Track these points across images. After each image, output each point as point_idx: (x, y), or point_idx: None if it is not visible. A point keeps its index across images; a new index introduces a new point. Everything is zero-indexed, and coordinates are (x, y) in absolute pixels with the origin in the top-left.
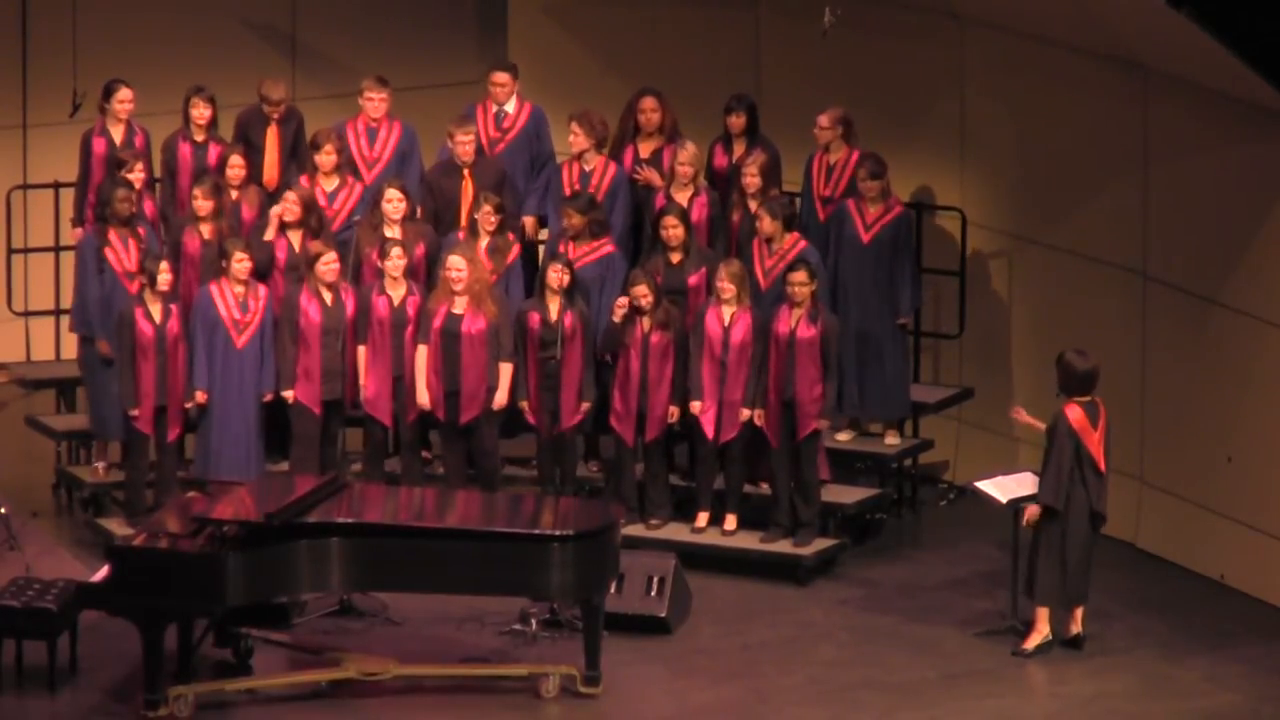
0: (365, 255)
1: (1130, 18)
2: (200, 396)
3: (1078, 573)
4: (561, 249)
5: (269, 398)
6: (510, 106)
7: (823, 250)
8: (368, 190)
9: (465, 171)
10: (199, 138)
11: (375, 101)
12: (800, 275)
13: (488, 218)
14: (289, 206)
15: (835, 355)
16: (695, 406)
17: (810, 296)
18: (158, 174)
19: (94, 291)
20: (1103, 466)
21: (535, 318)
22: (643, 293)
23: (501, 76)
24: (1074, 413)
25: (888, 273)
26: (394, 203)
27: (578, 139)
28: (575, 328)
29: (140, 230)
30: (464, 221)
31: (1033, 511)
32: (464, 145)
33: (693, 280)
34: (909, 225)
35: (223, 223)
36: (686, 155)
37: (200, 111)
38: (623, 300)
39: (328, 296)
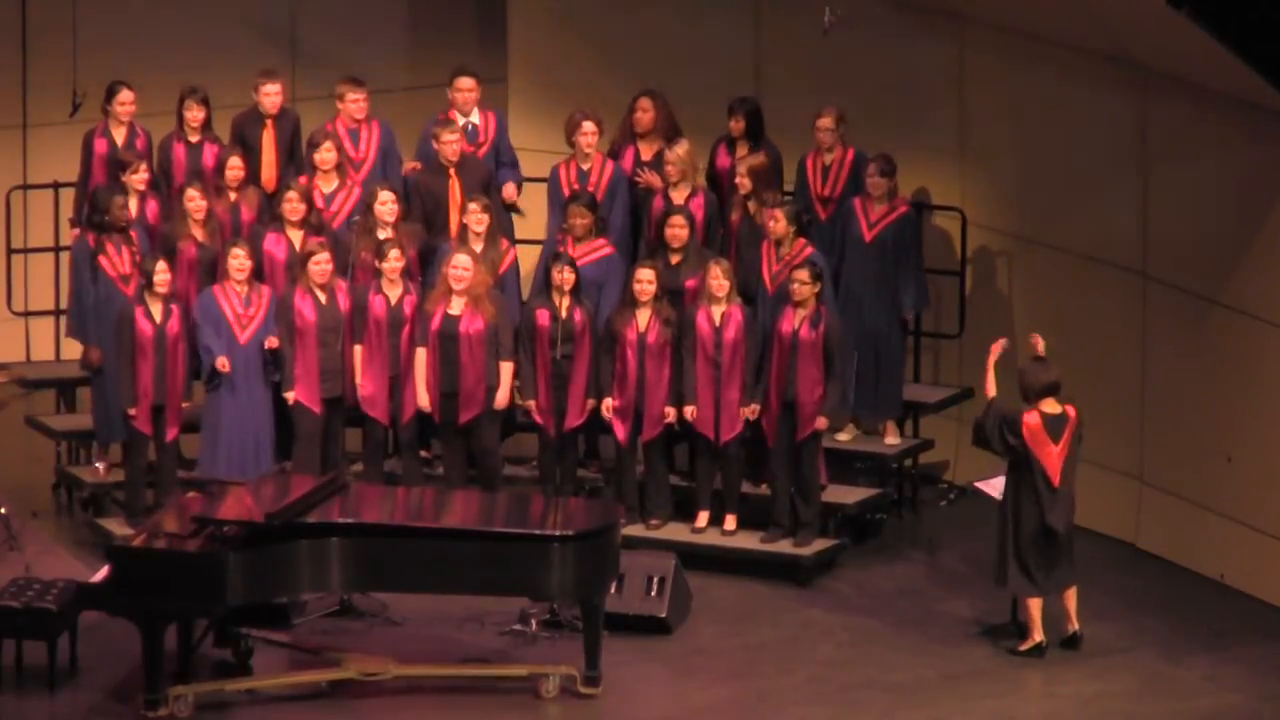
0: (360, 258)
1: (1130, 18)
2: (222, 363)
3: (1043, 567)
4: (562, 249)
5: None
6: (475, 117)
7: (826, 249)
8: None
9: (451, 172)
10: (193, 139)
11: (359, 102)
12: (803, 274)
13: (475, 217)
14: (293, 205)
15: (839, 357)
16: (689, 411)
17: (813, 298)
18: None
19: (88, 299)
20: (1056, 481)
21: (545, 315)
22: (647, 277)
23: (466, 82)
24: (1031, 419)
25: (890, 272)
26: (388, 205)
27: (594, 136)
28: (585, 326)
29: (133, 234)
30: (452, 221)
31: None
32: (449, 146)
33: (690, 283)
34: (914, 227)
35: (217, 225)
36: (674, 155)
37: (194, 113)
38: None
39: (322, 296)
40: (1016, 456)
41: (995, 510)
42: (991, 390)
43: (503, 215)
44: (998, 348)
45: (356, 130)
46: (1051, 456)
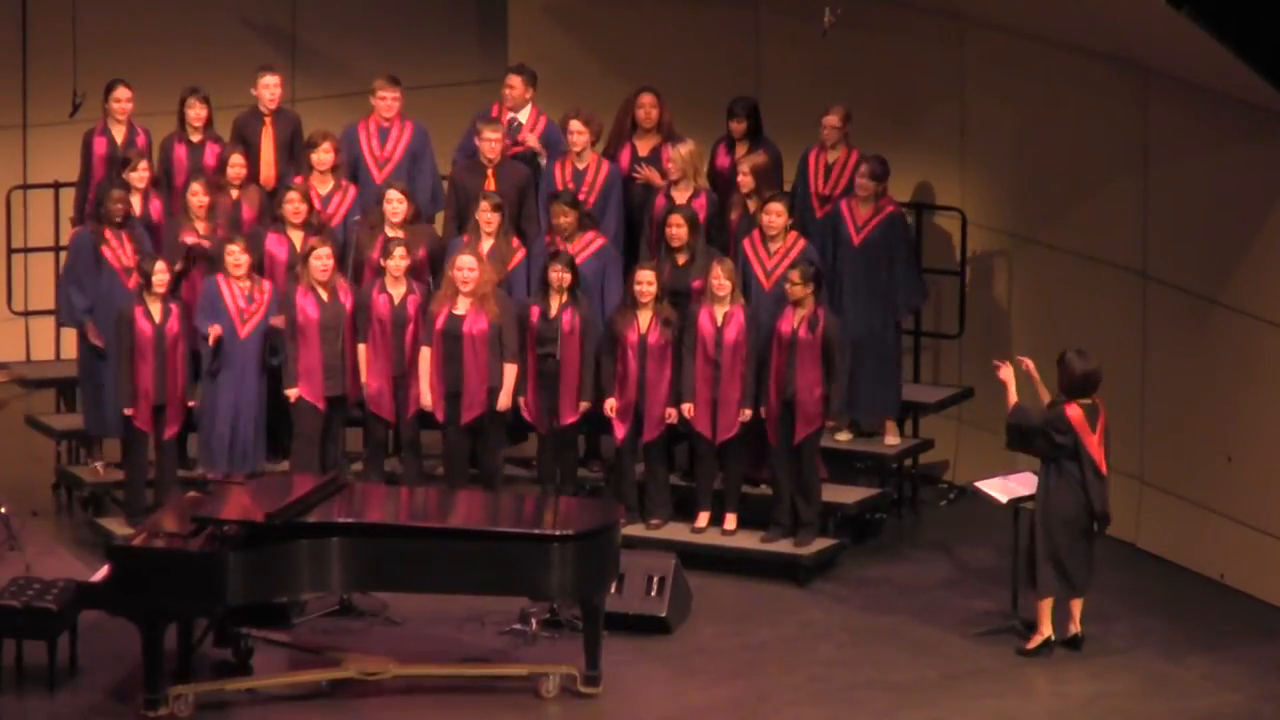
0: (365, 256)
1: (1130, 18)
2: (215, 330)
3: (1076, 567)
4: (552, 248)
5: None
6: (524, 116)
7: (821, 249)
8: (365, 192)
9: (489, 170)
10: (195, 138)
11: (389, 101)
12: (794, 275)
13: (485, 215)
14: (295, 206)
15: (839, 356)
16: (687, 409)
17: (809, 297)
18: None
19: (77, 286)
20: (1104, 468)
21: (536, 312)
22: (647, 279)
23: (512, 80)
24: (1074, 412)
25: (882, 274)
26: (393, 204)
27: (581, 136)
28: (574, 327)
29: (136, 230)
30: None
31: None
32: (490, 144)
33: (698, 284)
34: (903, 224)
35: (218, 221)
36: (677, 154)
37: (196, 112)
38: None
39: (323, 294)
40: (1063, 454)
41: (1008, 512)
42: (1014, 397)
43: (521, 214)
44: (1008, 377)
45: (387, 129)
46: (1094, 445)
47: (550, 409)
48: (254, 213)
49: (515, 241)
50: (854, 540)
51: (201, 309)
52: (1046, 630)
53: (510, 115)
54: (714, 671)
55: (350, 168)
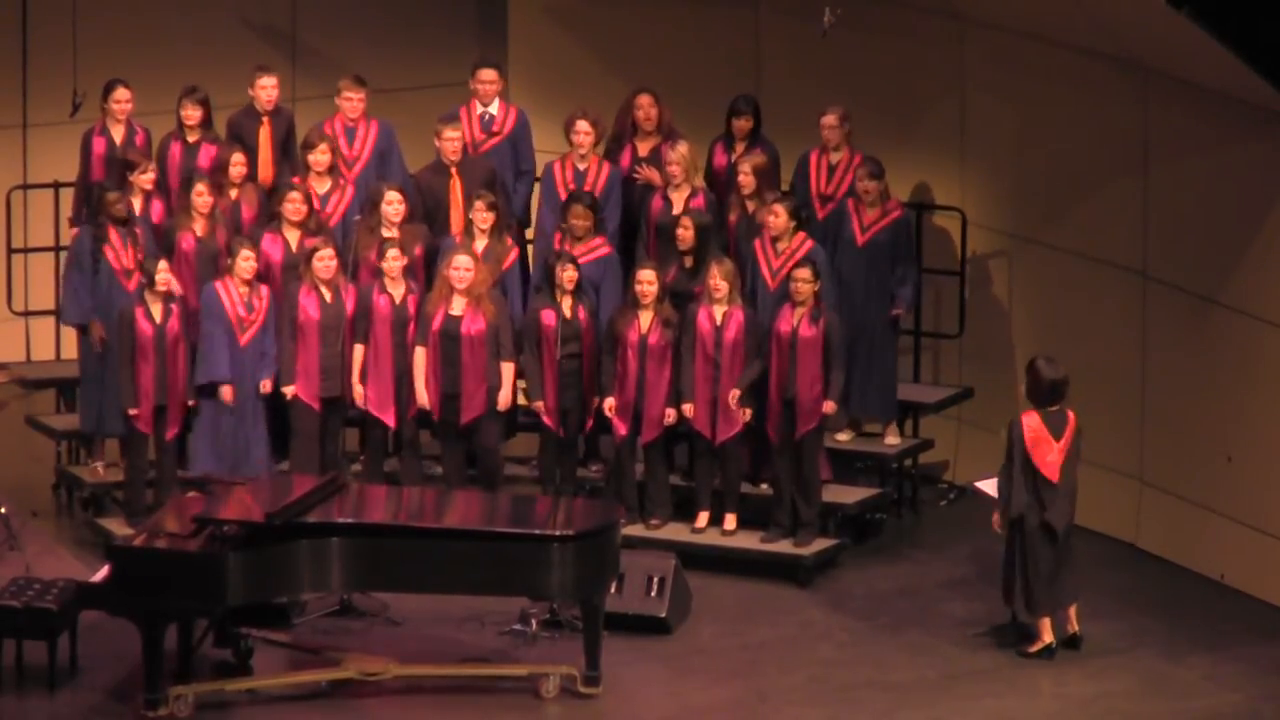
0: (363, 256)
1: (1130, 18)
2: (227, 392)
3: (1047, 582)
4: (559, 248)
5: (267, 388)
6: (495, 108)
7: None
8: (358, 191)
9: (453, 170)
10: (191, 139)
11: (354, 101)
12: (804, 273)
13: (480, 214)
14: (296, 205)
15: (839, 351)
16: (688, 409)
17: (813, 296)
18: None
19: (83, 283)
20: (1055, 478)
21: (550, 315)
22: (648, 279)
23: (488, 74)
24: (1031, 421)
25: (883, 275)
26: (394, 204)
27: (588, 137)
28: (589, 324)
29: (138, 230)
30: (453, 220)
31: (995, 519)
32: (450, 144)
33: (699, 288)
34: (908, 229)
35: (218, 221)
36: (675, 155)
37: (190, 112)
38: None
39: (326, 293)
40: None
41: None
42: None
43: (509, 213)
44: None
45: (353, 129)
46: (1053, 453)
47: (575, 409)
48: (253, 212)
49: (509, 241)
50: (854, 540)
51: (211, 334)
52: (1048, 637)
53: (481, 110)
54: (714, 671)
55: None
